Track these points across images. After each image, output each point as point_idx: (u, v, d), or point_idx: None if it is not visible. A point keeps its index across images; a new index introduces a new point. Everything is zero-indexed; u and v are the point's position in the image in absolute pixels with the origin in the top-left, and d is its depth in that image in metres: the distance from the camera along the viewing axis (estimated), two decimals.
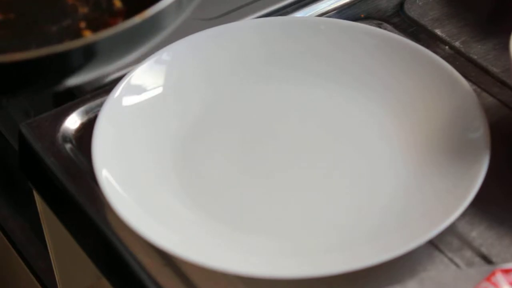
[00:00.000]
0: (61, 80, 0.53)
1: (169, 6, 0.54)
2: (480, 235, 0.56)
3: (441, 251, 0.55)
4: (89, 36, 0.52)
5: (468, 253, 0.55)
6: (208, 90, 0.66)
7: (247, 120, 0.64)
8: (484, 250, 0.55)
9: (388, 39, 0.67)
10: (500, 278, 0.52)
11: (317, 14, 0.73)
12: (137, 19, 0.53)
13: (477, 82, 0.67)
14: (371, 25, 0.71)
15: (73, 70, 0.53)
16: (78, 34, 0.58)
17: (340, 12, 0.73)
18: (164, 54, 0.65)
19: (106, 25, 0.58)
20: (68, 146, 0.62)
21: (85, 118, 0.64)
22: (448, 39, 0.71)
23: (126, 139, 0.61)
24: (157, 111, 0.63)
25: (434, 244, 0.55)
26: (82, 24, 0.58)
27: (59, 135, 0.62)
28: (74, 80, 0.54)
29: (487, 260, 0.55)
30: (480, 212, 0.57)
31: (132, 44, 0.54)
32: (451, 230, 0.56)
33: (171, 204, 0.58)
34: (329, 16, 0.73)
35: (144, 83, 0.64)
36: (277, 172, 0.61)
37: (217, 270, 0.52)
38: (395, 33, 0.70)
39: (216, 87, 0.66)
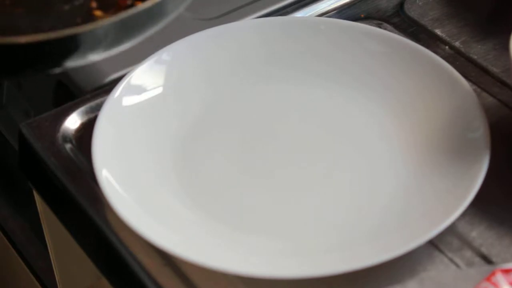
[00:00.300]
0: (66, 62, 0.55)
1: None
2: (480, 235, 0.56)
3: (441, 251, 0.55)
4: (100, 20, 0.54)
5: (468, 253, 0.55)
6: (208, 90, 0.66)
7: (247, 120, 0.64)
8: (484, 250, 0.55)
9: (388, 39, 0.67)
10: (500, 278, 0.52)
11: (317, 14, 0.73)
12: (148, 3, 0.55)
13: (477, 82, 0.67)
14: (371, 25, 0.71)
15: (80, 52, 0.55)
16: (89, 14, 0.60)
17: (340, 12, 0.73)
18: (164, 54, 0.65)
19: (115, 5, 0.60)
20: (68, 146, 0.62)
21: (85, 118, 0.64)
22: (448, 39, 0.71)
23: (126, 139, 0.61)
24: (157, 111, 0.63)
25: (434, 244, 0.55)
26: (93, 4, 0.60)
27: (59, 135, 0.62)
28: (77, 62, 0.56)
29: (487, 260, 0.55)
30: (480, 212, 0.57)
31: (139, 28, 0.57)
32: (451, 230, 0.56)
33: (171, 204, 0.58)
34: (329, 16, 0.73)
35: (144, 83, 0.64)
36: (277, 172, 0.61)
37: (217, 270, 0.52)
38: (395, 33, 0.70)
39: (216, 87, 0.66)
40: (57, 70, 0.58)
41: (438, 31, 0.72)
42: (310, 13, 0.73)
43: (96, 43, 0.54)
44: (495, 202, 0.58)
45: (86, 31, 0.53)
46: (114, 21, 0.54)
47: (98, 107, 0.63)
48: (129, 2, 0.60)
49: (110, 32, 0.54)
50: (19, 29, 0.58)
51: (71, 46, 0.54)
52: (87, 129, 0.62)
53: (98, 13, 0.59)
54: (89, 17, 0.59)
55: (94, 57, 0.56)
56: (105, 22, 0.54)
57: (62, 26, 0.57)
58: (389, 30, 0.71)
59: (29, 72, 0.60)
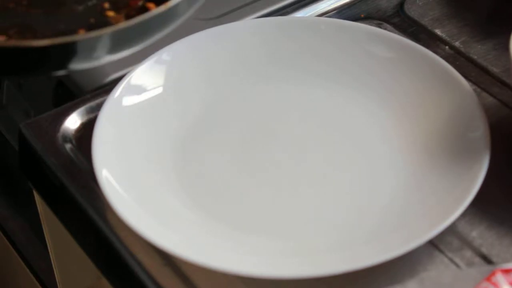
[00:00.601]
0: (74, 65, 0.57)
1: None
2: (480, 235, 0.56)
3: (441, 251, 0.55)
4: (111, 26, 0.56)
5: (468, 253, 0.55)
6: (208, 90, 0.66)
7: (247, 120, 0.64)
8: (484, 250, 0.55)
9: (388, 39, 0.67)
10: (500, 278, 0.52)
11: (317, 14, 0.73)
12: (162, 7, 0.57)
13: (477, 82, 0.67)
14: (371, 25, 0.71)
15: (89, 56, 0.57)
16: (102, 14, 0.62)
17: (340, 12, 0.73)
18: (164, 54, 0.65)
19: (127, 6, 0.62)
20: (68, 146, 0.62)
21: (85, 118, 0.64)
22: (448, 39, 0.71)
23: (126, 139, 0.61)
24: (157, 111, 0.63)
25: (434, 244, 0.55)
26: (106, 5, 0.62)
27: (59, 135, 0.62)
28: (85, 65, 0.58)
29: (487, 260, 0.55)
30: (480, 212, 0.57)
31: (150, 32, 0.58)
32: (451, 230, 0.56)
33: (171, 204, 0.58)
34: (329, 16, 0.73)
35: (144, 83, 0.64)
36: (277, 172, 0.61)
37: (217, 270, 0.52)
38: (395, 33, 0.70)
39: (216, 87, 0.66)
40: (63, 72, 0.59)
41: (438, 31, 0.72)
42: (310, 13, 0.73)
43: (107, 47, 0.56)
44: (495, 202, 0.58)
45: (96, 36, 0.54)
46: (126, 26, 0.55)
47: (98, 107, 0.63)
48: (140, 3, 0.61)
49: (122, 36, 0.56)
50: (35, 29, 0.59)
51: (81, 50, 0.55)
52: (87, 129, 0.62)
53: (110, 13, 0.61)
54: (102, 18, 0.61)
55: (103, 60, 0.57)
56: (117, 27, 0.55)
57: (76, 27, 0.58)
58: (389, 30, 0.71)
59: (36, 73, 0.62)
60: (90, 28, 0.59)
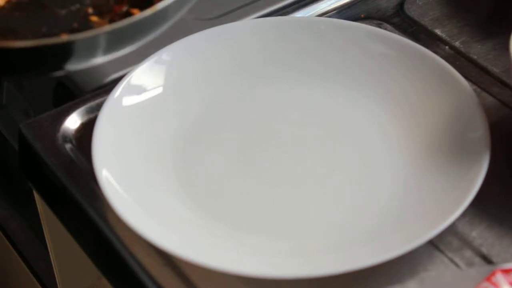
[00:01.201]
0: (66, 66, 0.57)
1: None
2: (480, 235, 0.56)
3: (441, 251, 0.55)
4: (102, 27, 0.56)
5: (468, 253, 0.55)
6: (208, 90, 0.66)
7: (247, 120, 0.64)
8: (484, 250, 0.55)
9: (388, 40, 0.67)
10: (500, 278, 0.52)
11: (317, 14, 0.73)
12: (148, 11, 0.56)
13: (477, 82, 0.67)
14: (371, 25, 0.71)
15: (79, 57, 0.57)
16: (85, 19, 0.62)
17: (340, 12, 0.73)
18: (164, 54, 0.65)
19: (111, 11, 0.62)
20: (68, 146, 0.62)
21: (85, 118, 0.64)
22: (448, 39, 0.71)
23: (126, 139, 0.61)
24: (157, 111, 0.63)
25: (434, 244, 0.55)
26: (90, 10, 0.61)
27: (59, 135, 0.62)
28: (77, 66, 0.58)
29: (487, 260, 0.55)
30: (480, 212, 0.57)
31: (138, 34, 0.58)
32: (451, 230, 0.56)
33: (171, 204, 0.58)
34: (329, 16, 0.73)
35: (144, 83, 0.64)
36: (277, 172, 0.61)
37: (217, 270, 0.52)
38: (395, 33, 0.70)
39: (216, 87, 0.66)
40: (58, 74, 0.59)
41: (438, 31, 0.72)
42: (310, 13, 0.73)
43: (96, 49, 0.56)
44: (495, 202, 0.58)
45: (83, 38, 0.54)
46: (113, 29, 0.55)
47: (98, 107, 0.63)
48: (124, 9, 0.61)
49: (110, 38, 0.56)
50: (17, 32, 0.59)
51: (70, 51, 0.55)
52: (87, 129, 0.62)
53: (94, 18, 0.61)
54: (85, 22, 0.60)
55: (94, 61, 0.57)
56: (104, 29, 0.55)
57: (58, 31, 0.58)
58: (389, 30, 0.71)
59: (30, 74, 0.62)
60: (73, 32, 0.59)
